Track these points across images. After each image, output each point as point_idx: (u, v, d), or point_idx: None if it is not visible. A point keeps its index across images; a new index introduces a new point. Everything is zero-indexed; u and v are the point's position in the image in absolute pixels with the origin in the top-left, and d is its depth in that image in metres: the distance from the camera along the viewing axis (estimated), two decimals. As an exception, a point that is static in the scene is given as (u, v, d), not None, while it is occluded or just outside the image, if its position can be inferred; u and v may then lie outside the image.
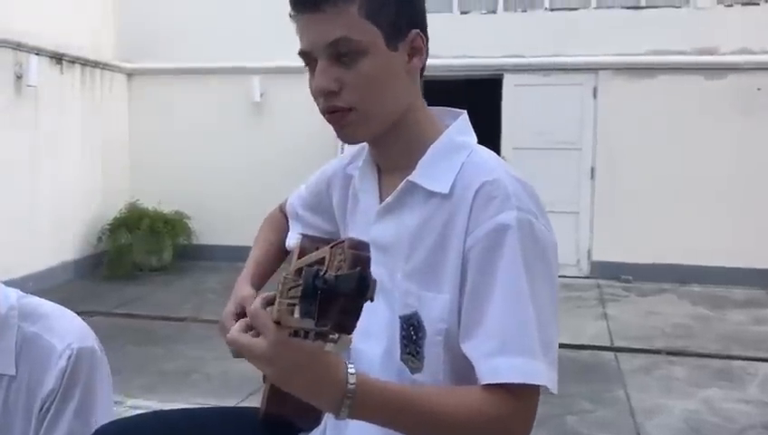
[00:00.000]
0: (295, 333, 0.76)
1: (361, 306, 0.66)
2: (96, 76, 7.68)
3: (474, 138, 1.10)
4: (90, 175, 7.55)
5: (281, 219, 1.40)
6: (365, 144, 1.17)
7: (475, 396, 0.93)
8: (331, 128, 1.06)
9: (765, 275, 6.66)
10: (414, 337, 1.02)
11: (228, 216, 7.92)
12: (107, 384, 1.29)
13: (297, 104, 7.97)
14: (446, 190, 1.03)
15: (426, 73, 1.11)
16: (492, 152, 1.09)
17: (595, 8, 7.33)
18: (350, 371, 0.86)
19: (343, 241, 0.69)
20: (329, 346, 0.72)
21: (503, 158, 7.38)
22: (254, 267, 1.30)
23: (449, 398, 0.95)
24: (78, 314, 1.38)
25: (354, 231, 1.16)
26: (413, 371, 1.01)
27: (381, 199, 1.12)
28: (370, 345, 1.07)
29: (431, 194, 1.05)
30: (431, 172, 1.05)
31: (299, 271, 0.78)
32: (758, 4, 7.08)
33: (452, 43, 7.38)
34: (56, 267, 6.84)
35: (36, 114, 6.65)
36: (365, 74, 1.00)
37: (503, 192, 0.99)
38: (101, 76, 7.79)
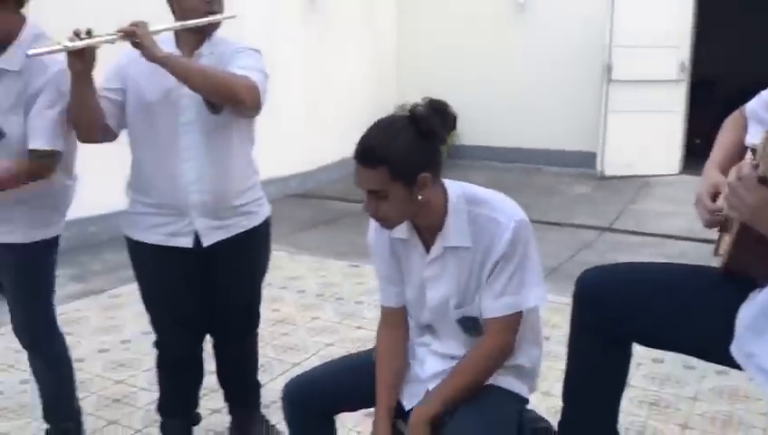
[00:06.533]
0: None
1: None
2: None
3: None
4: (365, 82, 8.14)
5: (741, 120, 1.74)
6: None
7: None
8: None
9: None
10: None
11: (492, 117, 8.25)
12: (536, 248, 1.70)
13: (562, 8, 7.86)
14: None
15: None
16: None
17: None
18: None
19: None
20: None
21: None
22: (720, 157, 1.69)
23: None
24: None
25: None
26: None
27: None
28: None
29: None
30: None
31: None
32: None
33: None
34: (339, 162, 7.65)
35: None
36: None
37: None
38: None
